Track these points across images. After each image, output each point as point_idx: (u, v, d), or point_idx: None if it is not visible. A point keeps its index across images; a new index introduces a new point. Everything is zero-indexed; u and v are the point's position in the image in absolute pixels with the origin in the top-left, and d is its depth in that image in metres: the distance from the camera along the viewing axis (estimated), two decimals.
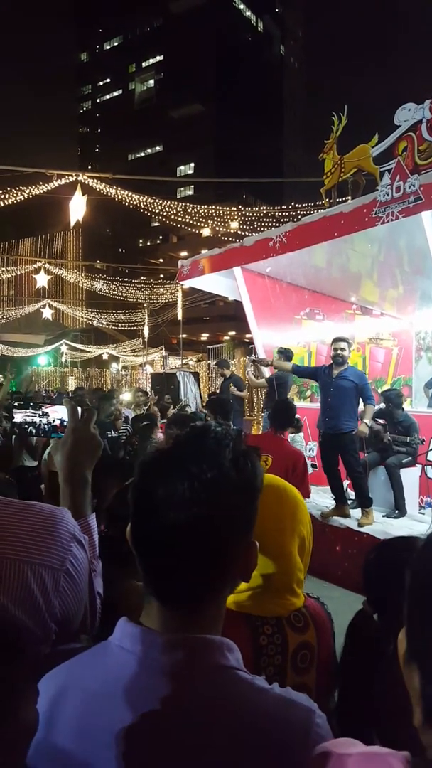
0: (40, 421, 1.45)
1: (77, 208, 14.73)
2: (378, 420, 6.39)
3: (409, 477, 6.31)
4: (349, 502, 6.24)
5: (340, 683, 1.39)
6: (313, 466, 8.05)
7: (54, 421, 1.43)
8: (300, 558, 1.34)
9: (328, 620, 1.37)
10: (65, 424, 1.32)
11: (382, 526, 5.79)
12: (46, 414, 1.45)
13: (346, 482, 6.22)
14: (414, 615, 0.66)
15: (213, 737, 0.70)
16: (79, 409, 1.32)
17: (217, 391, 13.28)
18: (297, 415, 7.80)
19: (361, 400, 5.92)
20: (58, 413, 1.42)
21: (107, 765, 0.71)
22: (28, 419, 1.44)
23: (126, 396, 9.03)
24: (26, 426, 1.43)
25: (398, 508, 6.08)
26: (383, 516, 6.09)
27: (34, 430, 1.45)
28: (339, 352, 5.96)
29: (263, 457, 3.59)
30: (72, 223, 15.59)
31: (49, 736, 0.76)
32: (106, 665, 0.78)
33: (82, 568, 1.00)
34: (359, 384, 5.89)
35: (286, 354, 7.51)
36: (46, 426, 1.44)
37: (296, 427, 7.73)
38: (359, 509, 5.98)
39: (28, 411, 1.45)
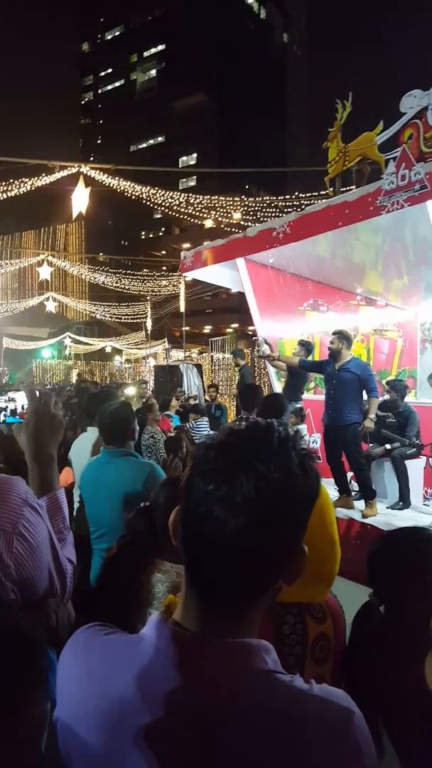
0: (7, 406, 1.58)
1: (80, 199, 14.65)
2: (380, 412, 6.38)
3: (415, 468, 6.29)
4: (353, 493, 6.22)
5: (345, 673, 1.41)
6: (317, 458, 8.04)
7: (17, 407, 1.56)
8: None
9: (341, 612, 1.41)
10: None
11: (386, 517, 5.78)
12: (13, 399, 1.58)
13: (349, 474, 6.20)
14: None
15: (251, 742, 0.69)
16: (37, 392, 1.41)
17: (219, 383, 13.29)
18: (300, 405, 7.84)
19: (365, 393, 5.88)
20: (21, 400, 1.56)
21: (134, 763, 0.70)
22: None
23: (130, 390, 9.00)
24: None
25: (403, 500, 6.06)
26: (387, 507, 6.08)
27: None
28: (329, 345, 6.01)
29: None
30: (75, 215, 15.52)
31: (78, 723, 0.76)
32: (138, 661, 0.76)
33: (38, 531, 1.04)
34: (362, 375, 5.84)
35: (307, 347, 7.43)
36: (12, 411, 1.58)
37: (299, 416, 7.72)
38: (363, 500, 5.97)
39: None
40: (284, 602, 1.29)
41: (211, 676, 0.72)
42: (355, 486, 6.26)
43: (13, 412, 7.60)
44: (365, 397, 5.93)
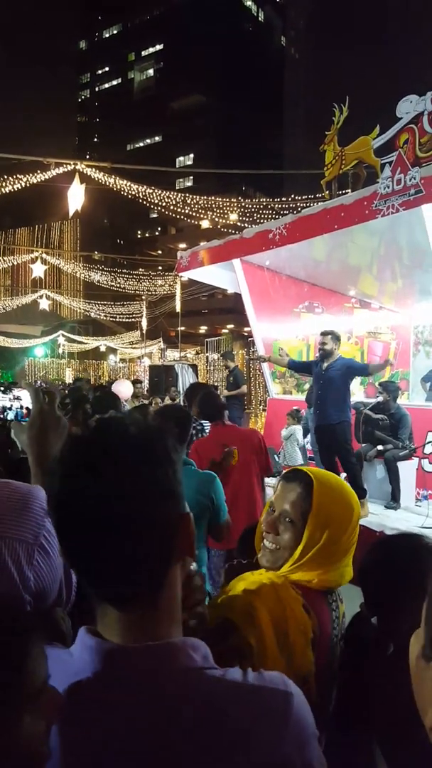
0: (11, 404, 1.47)
1: (76, 197, 14.65)
2: (372, 414, 6.44)
3: (407, 470, 6.34)
4: None
5: (337, 685, 1.36)
6: (311, 458, 8.08)
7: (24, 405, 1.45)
8: None
9: (328, 614, 1.34)
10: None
11: (378, 518, 5.82)
12: (18, 398, 1.47)
13: (343, 475, 6.24)
14: None
15: (191, 742, 0.68)
16: (41, 392, 1.36)
17: (216, 384, 13.32)
18: (296, 407, 7.89)
19: (358, 383, 5.95)
20: (26, 398, 1.45)
21: None
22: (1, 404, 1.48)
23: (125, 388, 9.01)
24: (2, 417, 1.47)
25: (395, 501, 6.12)
26: (383, 508, 6.13)
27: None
28: (321, 345, 6.06)
29: (232, 451, 3.51)
30: (71, 213, 15.51)
31: None
32: (69, 678, 0.74)
33: (56, 543, 1.01)
34: (347, 370, 5.92)
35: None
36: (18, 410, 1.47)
37: (296, 419, 7.76)
38: None
39: None
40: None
41: (136, 683, 0.70)
42: None
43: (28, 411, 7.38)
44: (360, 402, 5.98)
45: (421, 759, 1.24)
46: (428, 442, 6.45)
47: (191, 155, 63.54)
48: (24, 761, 0.67)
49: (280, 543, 1.33)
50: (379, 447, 6.36)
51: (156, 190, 18.11)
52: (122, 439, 0.74)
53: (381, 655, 1.33)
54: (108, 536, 0.70)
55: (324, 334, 6.12)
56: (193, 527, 0.81)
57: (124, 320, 35.61)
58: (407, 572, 1.38)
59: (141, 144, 70.05)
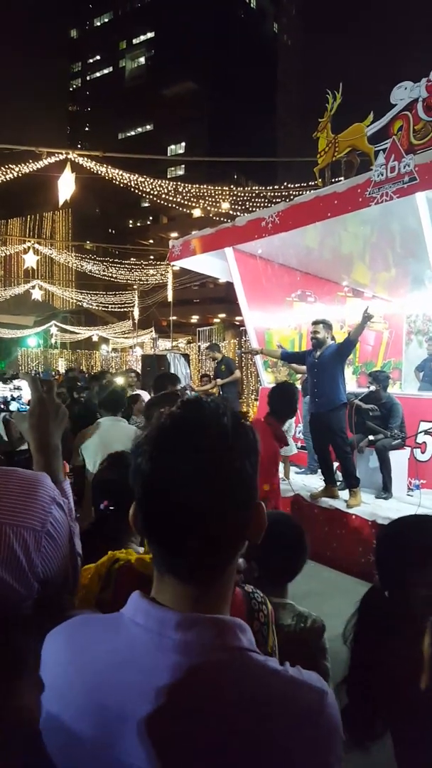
0: (11, 395, 1.48)
1: (66, 186, 14.51)
2: (363, 404, 6.44)
3: (399, 459, 6.35)
4: (338, 483, 6.28)
5: (350, 656, 1.43)
6: (302, 448, 8.09)
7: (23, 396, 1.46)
8: None
9: (245, 617, 1.28)
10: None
11: (371, 507, 5.83)
12: (18, 388, 1.49)
13: (336, 464, 6.25)
14: None
15: (226, 719, 0.70)
16: (39, 380, 1.37)
17: (209, 373, 13.27)
18: None
19: (350, 372, 5.93)
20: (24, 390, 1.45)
21: (122, 743, 0.70)
22: (1, 394, 1.49)
23: (119, 380, 8.95)
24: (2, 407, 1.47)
25: (386, 490, 6.12)
26: (374, 498, 6.14)
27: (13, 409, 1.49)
28: (313, 334, 6.09)
29: None
30: (61, 202, 15.38)
31: (61, 712, 0.76)
32: (118, 639, 0.77)
33: (62, 529, 1.05)
34: (336, 352, 5.95)
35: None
36: (16, 401, 1.48)
37: None
38: (347, 490, 6.02)
39: None
40: None
41: (184, 651, 0.73)
42: (339, 476, 6.31)
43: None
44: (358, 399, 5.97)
45: (426, 730, 1.28)
46: (420, 432, 6.45)
47: (183, 144, 63.07)
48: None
49: None
50: (371, 437, 6.37)
51: (147, 179, 17.96)
52: (219, 426, 0.78)
53: (395, 628, 1.39)
54: (203, 528, 0.74)
55: (315, 323, 6.15)
56: (265, 516, 0.83)
57: (116, 310, 35.48)
58: (418, 548, 1.49)
59: (132, 132, 69.43)
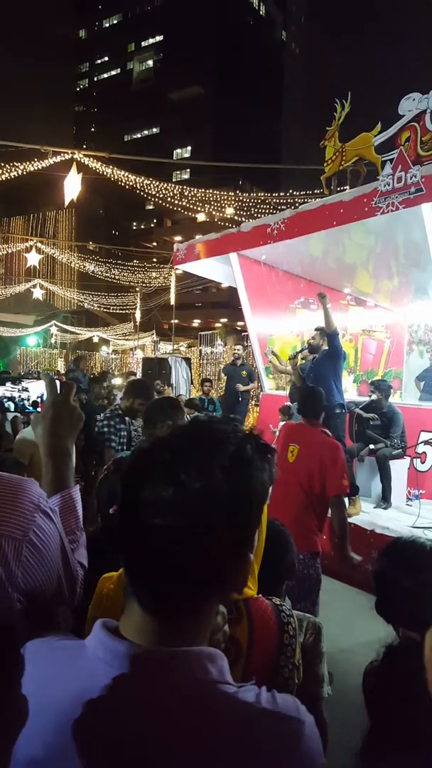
0: (20, 396, 1.44)
1: (72, 186, 14.53)
2: (364, 413, 6.44)
3: (398, 469, 6.35)
4: None
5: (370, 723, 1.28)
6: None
7: (31, 397, 1.42)
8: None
9: (275, 628, 1.26)
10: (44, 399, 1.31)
11: (369, 516, 5.83)
12: (26, 389, 1.45)
13: None
14: None
15: (191, 760, 0.65)
16: (58, 382, 1.31)
17: (209, 377, 13.27)
18: (288, 403, 7.87)
19: (351, 381, 5.98)
20: (38, 389, 1.42)
21: None
22: (8, 394, 1.45)
23: (118, 381, 8.96)
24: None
25: (385, 500, 6.12)
26: (373, 507, 6.13)
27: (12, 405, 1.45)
28: (309, 341, 6.27)
29: (290, 447, 3.50)
30: (66, 202, 15.38)
31: (28, 743, 0.73)
32: (80, 672, 0.73)
33: (49, 538, 0.99)
34: (327, 353, 6.08)
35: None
36: (24, 402, 1.44)
37: (288, 414, 7.75)
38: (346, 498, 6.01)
39: (7, 386, 1.46)
40: None
41: (144, 688, 0.69)
42: None
43: (35, 404, 7.12)
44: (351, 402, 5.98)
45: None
46: (420, 442, 6.46)
47: (189, 147, 63.19)
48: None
49: None
50: (371, 446, 6.36)
51: (153, 182, 17.98)
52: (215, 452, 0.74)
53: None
54: (170, 563, 0.70)
55: (316, 330, 6.28)
56: (249, 570, 0.78)
57: (117, 311, 35.47)
58: (416, 579, 1.39)
59: (138, 135, 69.56)
